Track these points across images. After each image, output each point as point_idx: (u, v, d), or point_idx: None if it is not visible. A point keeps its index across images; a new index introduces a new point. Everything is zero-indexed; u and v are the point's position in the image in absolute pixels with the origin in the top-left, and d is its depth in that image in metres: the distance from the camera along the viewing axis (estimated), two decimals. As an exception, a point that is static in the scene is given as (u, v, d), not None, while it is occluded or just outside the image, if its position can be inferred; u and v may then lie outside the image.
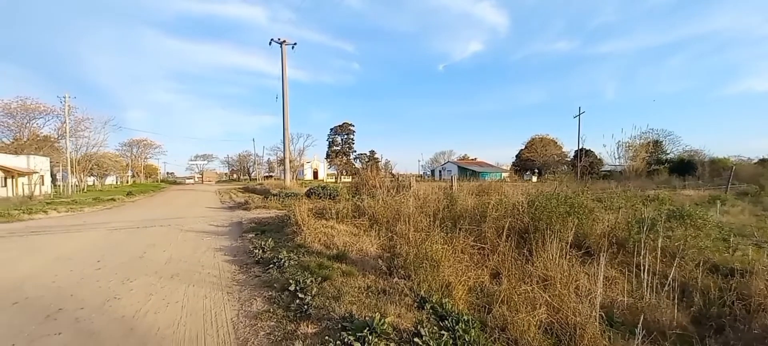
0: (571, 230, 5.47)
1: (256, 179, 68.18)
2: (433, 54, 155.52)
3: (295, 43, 30.12)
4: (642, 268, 4.23)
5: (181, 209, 18.45)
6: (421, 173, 73.20)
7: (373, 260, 5.78)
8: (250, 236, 8.80)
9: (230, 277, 5.62)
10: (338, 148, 79.44)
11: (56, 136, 40.35)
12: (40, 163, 32.61)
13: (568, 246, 5.05)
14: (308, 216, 8.25)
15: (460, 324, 3.31)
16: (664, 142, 46.03)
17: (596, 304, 3.48)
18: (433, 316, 3.70)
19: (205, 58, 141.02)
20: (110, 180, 60.70)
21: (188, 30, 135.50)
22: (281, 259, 5.88)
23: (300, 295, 4.25)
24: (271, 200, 16.13)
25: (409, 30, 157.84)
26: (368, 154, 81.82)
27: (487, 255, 5.60)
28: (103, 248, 7.90)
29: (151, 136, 76.21)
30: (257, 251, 6.68)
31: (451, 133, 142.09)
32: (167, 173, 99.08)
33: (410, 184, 11.15)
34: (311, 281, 4.65)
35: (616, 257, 5.51)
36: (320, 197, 15.95)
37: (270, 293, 4.72)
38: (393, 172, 32.91)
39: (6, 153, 31.55)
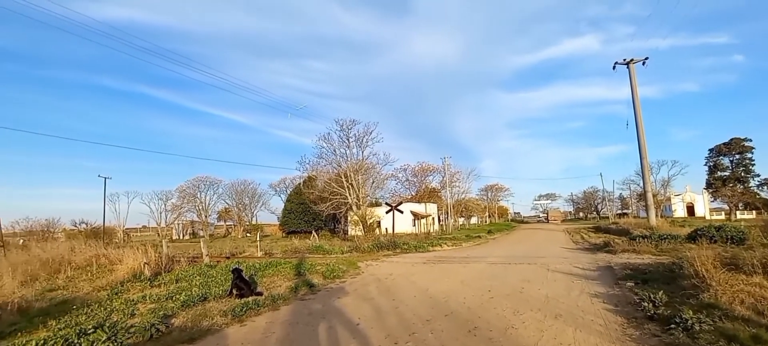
0: None
1: (607, 217, 61.43)
2: None
3: (646, 59, 25.82)
4: None
5: (537, 247, 19.30)
6: None
7: None
8: (629, 284, 7.75)
9: (619, 329, 5.10)
10: (726, 173, 58.43)
11: (439, 188, 54.48)
12: (431, 209, 44.67)
13: None
14: (714, 267, 6.29)
15: None
16: None
17: None
18: None
19: (541, 102, 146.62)
20: (474, 220, 73.41)
21: (524, 82, 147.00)
22: (686, 319, 4.74)
23: (741, 377, 3.18)
24: (640, 242, 13.79)
25: None
26: (788, 177, 54.62)
27: None
28: (488, 278, 9.41)
29: (500, 181, 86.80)
30: (646, 304, 5.74)
31: None
32: (515, 213, 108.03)
33: None
34: (754, 361, 3.40)
35: None
36: (713, 240, 12.11)
37: (684, 362, 3.85)
38: None
39: (413, 202, 45.69)
